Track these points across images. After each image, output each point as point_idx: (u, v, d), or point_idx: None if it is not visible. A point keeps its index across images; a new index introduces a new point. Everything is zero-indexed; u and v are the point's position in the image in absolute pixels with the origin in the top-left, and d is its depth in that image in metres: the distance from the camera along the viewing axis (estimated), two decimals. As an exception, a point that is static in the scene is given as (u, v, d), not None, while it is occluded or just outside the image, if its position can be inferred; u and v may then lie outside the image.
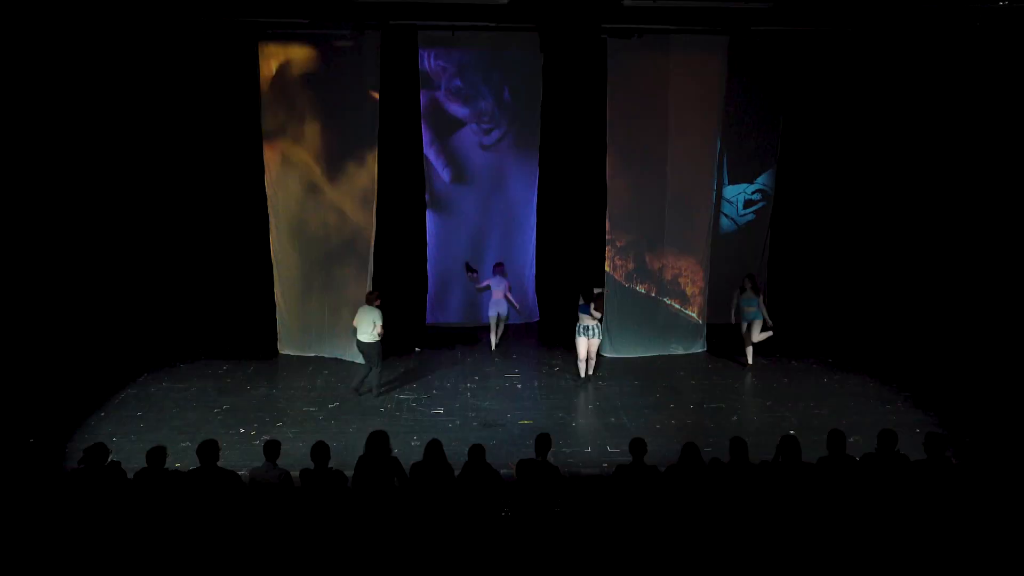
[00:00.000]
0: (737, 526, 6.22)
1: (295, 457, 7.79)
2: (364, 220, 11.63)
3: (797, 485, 6.60)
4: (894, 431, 6.89)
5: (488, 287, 12.78)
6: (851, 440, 7.17)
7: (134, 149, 11.92)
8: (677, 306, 12.51)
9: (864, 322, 13.06)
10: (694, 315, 12.56)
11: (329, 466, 6.74)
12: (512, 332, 13.31)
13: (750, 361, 11.89)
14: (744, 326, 11.77)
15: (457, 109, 13.16)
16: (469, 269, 12.88)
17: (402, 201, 13.05)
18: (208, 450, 6.65)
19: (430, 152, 13.23)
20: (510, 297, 12.73)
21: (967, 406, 10.28)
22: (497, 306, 12.63)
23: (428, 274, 13.53)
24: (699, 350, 12.62)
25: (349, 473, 6.82)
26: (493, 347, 12.66)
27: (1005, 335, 11.13)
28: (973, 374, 11.08)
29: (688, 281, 12.45)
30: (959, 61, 11.43)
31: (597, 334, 11.28)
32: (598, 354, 11.55)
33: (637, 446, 6.82)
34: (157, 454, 6.70)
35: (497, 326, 12.71)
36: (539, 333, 13.54)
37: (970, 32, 10.71)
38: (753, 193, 13.76)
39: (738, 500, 6.46)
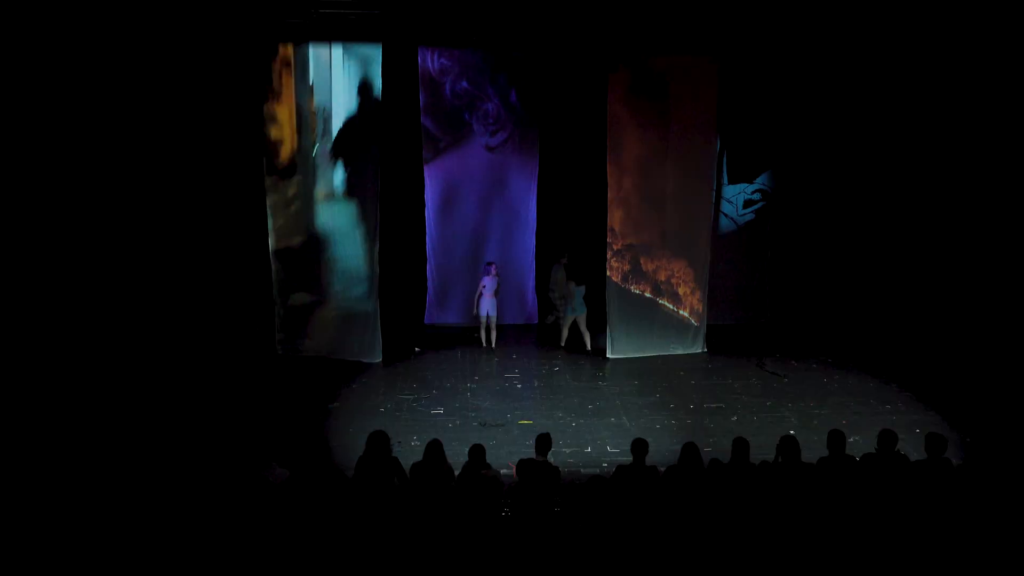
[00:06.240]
0: (737, 527, 6.22)
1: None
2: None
3: (797, 485, 6.61)
4: (894, 431, 6.90)
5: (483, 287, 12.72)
6: (851, 440, 7.18)
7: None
8: (671, 307, 12.56)
9: (864, 321, 13.07)
10: (687, 315, 12.59)
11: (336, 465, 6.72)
12: (512, 332, 13.32)
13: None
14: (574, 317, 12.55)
15: (461, 110, 13.16)
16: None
17: (402, 201, 13.07)
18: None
19: (429, 152, 13.23)
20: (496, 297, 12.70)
21: (968, 406, 10.29)
22: (487, 305, 12.60)
23: (428, 274, 13.54)
24: (698, 350, 12.62)
25: (349, 473, 6.83)
26: (484, 344, 12.65)
27: (1005, 334, 11.13)
28: (974, 373, 11.09)
29: (680, 282, 12.50)
30: (958, 59, 11.44)
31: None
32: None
33: (639, 446, 6.82)
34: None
35: (488, 325, 12.67)
36: (538, 334, 13.54)
37: (970, 30, 10.72)
38: (753, 193, 13.77)
39: (738, 501, 6.46)
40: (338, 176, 11.84)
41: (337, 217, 11.89)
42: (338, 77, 11.52)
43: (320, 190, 11.87)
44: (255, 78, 11.46)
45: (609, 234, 12.15)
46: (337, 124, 11.68)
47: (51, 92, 10.23)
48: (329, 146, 11.72)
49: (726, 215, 13.74)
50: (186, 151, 12.29)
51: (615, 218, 12.14)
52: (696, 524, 6.26)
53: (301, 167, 11.74)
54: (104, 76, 10.98)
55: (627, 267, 12.35)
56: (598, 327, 12.56)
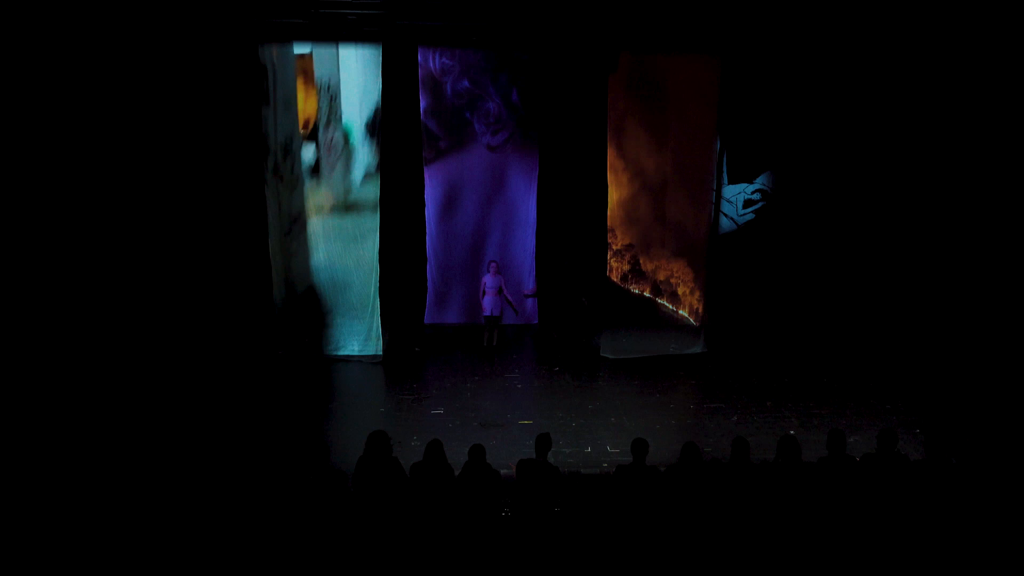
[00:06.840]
0: (737, 528, 6.22)
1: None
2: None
3: (797, 485, 6.61)
4: (894, 431, 6.90)
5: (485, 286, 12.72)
6: (851, 440, 7.18)
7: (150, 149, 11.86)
8: (671, 307, 12.57)
9: (866, 321, 13.06)
10: (687, 315, 12.60)
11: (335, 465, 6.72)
12: (511, 333, 13.32)
13: None
14: None
15: (462, 110, 13.15)
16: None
17: (401, 200, 13.08)
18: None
19: (430, 152, 13.22)
20: (505, 295, 12.68)
21: (968, 406, 10.30)
22: (489, 304, 12.57)
23: (428, 274, 13.54)
24: (698, 351, 12.61)
25: (350, 473, 6.83)
26: (484, 343, 12.63)
27: (1003, 335, 11.14)
28: (974, 373, 11.09)
29: (679, 282, 12.52)
30: (960, 62, 11.43)
31: None
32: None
33: (639, 446, 6.82)
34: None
35: (491, 325, 12.66)
36: (538, 333, 13.53)
37: (971, 34, 10.72)
38: (753, 193, 13.76)
39: (738, 501, 6.46)
40: (347, 179, 11.89)
41: (336, 226, 11.95)
42: (346, 78, 11.54)
43: (324, 199, 11.89)
44: (253, 79, 11.45)
45: (609, 234, 12.17)
46: (347, 126, 11.73)
47: (50, 93, 10.23)
48: (337, 149, 11.76)
49: (726, 215, 13.72)
50: (185, 152, 12.29)
51: (615, 218, 12.15)
52: (696, 525, 6.26)
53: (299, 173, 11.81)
54: (102, 77, 10.99)
55: (626, 267, 12.36)
56: (598, 327, 12.56)
